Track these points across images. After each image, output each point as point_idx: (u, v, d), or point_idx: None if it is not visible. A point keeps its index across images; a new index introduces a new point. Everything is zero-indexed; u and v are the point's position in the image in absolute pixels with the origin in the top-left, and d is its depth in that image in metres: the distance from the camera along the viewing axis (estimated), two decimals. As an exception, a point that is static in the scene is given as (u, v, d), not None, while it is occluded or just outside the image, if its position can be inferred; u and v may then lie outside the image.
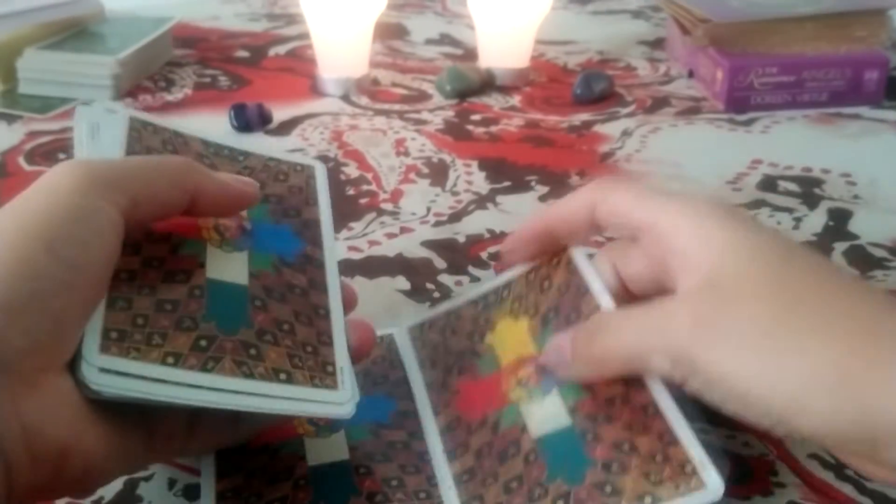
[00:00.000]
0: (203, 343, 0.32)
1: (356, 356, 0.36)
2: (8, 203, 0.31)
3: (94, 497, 0.36)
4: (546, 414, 0.36)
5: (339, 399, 0.33)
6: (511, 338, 0.39)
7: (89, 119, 0.37)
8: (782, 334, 0.30)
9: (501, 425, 0.36)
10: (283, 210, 0.39)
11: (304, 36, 0.96)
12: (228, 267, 0.35)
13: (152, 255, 0.34)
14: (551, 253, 0.41)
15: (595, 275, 0.38)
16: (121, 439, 0.31)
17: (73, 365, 0.29)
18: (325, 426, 0.38)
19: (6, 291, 0.27)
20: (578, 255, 0.40)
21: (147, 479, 0.37)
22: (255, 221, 0.38)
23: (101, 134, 0.37)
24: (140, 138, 0.37)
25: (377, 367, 0.42)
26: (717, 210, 0.34)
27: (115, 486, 0.37)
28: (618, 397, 0.35)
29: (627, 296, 0.38)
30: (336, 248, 0.40)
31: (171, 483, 0.37)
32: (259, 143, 0.74)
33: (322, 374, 0.34)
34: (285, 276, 0.36)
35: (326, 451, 0.37)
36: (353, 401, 0.34)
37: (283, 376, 0.32)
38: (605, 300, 0.37)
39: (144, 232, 0.34)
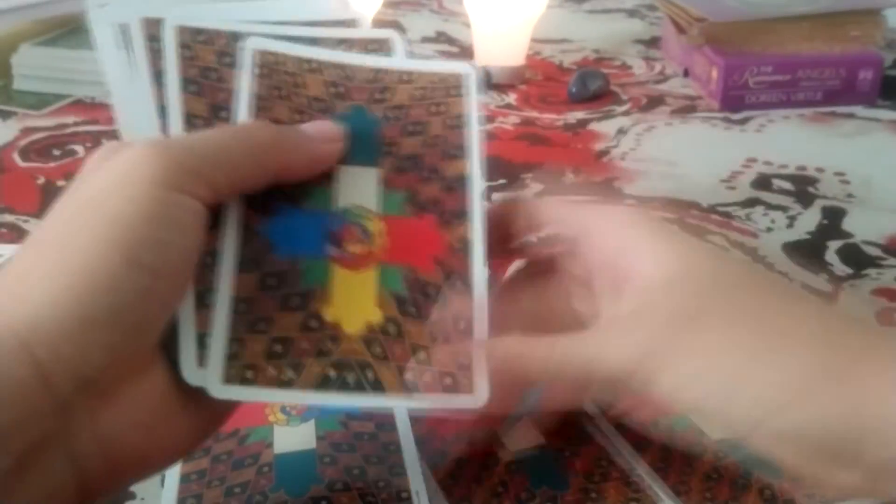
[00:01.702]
0: None
1: None
2: (75, 195, 0.28)
3: (88, 493, 0.36)
4: (519, 436, 0.37)
5: None
6: None
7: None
8: (752, 345, 0.28)
9: (475, 441, 0.37)
10: None
11: (300, 33, 0.96)
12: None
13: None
14: None
15: None
16: (196, 430, 0.30)
17: None
18: (297, 416, 0.39)
19: (84, 306, 0.26)
20: None
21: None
22: None
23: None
24: (270, 74, 0.34)
25: None
26: (648, 222, 0.33)
27: (108, 482, 0.37)
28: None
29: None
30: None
31: (163, 479, 0.37)
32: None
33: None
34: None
35: (294, 439, 0.38)
36: None
37: None
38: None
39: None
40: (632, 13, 1.15)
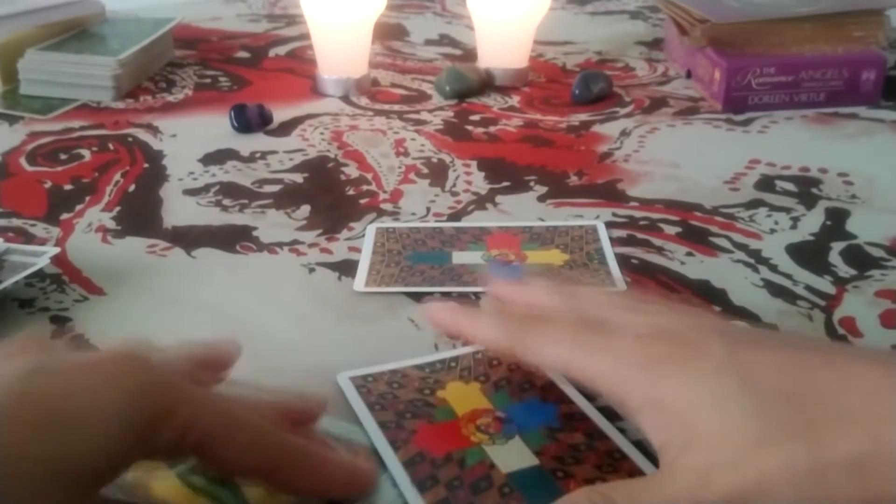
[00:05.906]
0: None
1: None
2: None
3: (98, 495, 0.36)
4: (512, 455, 0.37)
5: None
6: (464, 395, 0.41)
7: None
8: None
9: (468, 462, 0.37)
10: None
11: (305, 37, 0.96)
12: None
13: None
14: None
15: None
16: None
17: None
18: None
19: None
20: None
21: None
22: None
23: None
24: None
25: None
26: (664, 363, 0.32)
27: (118, 485, 0.37)
28: (582, 444, 0.37)
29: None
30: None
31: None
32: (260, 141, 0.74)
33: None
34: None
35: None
36: None
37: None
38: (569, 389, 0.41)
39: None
40: (634, 15, 1.15)
